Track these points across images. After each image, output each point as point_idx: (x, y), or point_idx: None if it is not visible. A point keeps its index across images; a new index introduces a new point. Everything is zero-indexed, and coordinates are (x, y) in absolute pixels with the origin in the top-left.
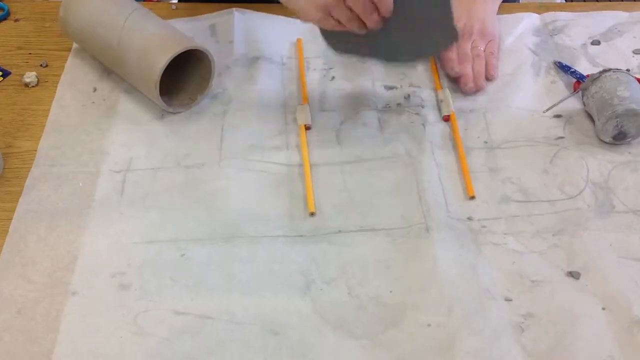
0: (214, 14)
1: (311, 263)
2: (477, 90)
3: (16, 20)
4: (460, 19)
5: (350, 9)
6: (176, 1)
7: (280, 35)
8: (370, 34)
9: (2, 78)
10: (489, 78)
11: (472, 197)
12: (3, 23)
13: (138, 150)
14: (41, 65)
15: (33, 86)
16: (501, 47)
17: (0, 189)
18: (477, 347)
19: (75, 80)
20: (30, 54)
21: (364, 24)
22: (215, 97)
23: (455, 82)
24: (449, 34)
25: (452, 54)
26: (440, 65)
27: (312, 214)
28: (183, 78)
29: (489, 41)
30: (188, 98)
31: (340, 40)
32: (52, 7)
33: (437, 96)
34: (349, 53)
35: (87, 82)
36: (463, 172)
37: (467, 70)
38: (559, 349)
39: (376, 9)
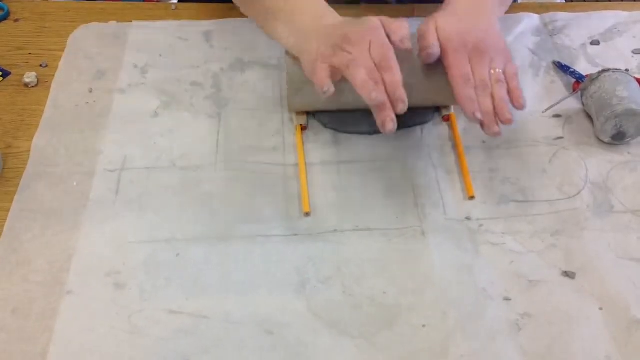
0: (210, 21)
1: (307, 262)
2: (505, 123)
3: (16, 20)
4: (465, 32)
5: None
6: (176, 1)
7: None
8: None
9: (2, 78)
10: (517, 107)
11: (472, 197)
12: (3, 23)
13: (132, 150)
14: (41, 65)
15: (33, 86)
16: None
17: (0, 189)
18: (472, 350)
19: (70, 80)
20: (30, 54)
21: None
22: (210, 98)
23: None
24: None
25: (469, 90)
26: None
27: (307, 214)
28: None
29: (507, 62)
30: None
31: (329, 116)
32: (52, 7)
33: None
34: (336, 128)
35: (81, 82)
36: (463, 173)
37: (488, 104)
38: (556, 349)
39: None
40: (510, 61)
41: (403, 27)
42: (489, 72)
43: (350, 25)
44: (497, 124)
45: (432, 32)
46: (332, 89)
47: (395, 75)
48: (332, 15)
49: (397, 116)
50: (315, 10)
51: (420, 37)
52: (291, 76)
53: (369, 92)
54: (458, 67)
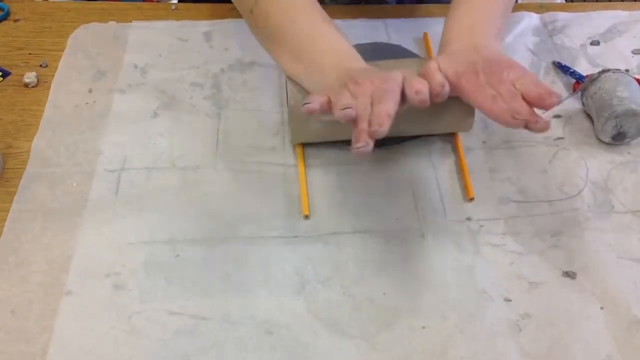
0: (210, 21)
1: (306, 263)
2: (549, 107)
3: (16, 21)
4: (472, 62)
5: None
6: (176, 1)
7: None
8: None
9: (2, 78)
10: (552, 102)
11: (472, 199)
12: (3, 23)
13: (132, 150)
14: (41, 65)
15: (33, 86)
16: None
17: (0, 189)
18: (472, 351)
19: (69, 80)
20: (30, 54)
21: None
22: (209, 98)
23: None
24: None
25: (499, 103)
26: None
27: (306, 217)
28: None
29: (523, 71)
30: None
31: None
32: (52, 7)
33: None
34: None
35: (81, 82)
36: (463, 174)
37: (523, 104)
38: (557, 349)
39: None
40: (526, 71)
41: (422, 83)
42: (510, 84)
43: (367, 72)
44: (538, 118)
45: (437, 70)
46: (314, 106)
47: (385, 106)
48: (357, 60)
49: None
50: (341, 52)
51: (426, 78)
52: (294, 107)
53: (342, 108)
54: (480, 89)
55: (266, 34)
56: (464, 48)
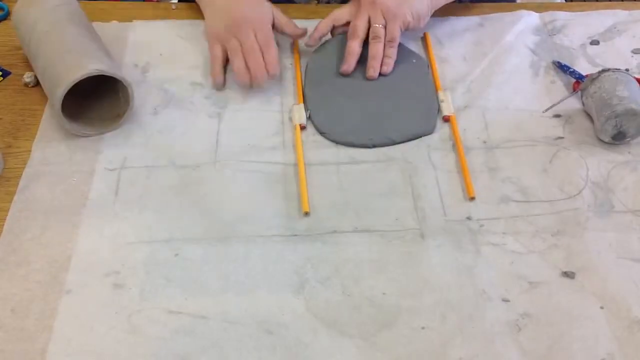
0: None
1: (305, 263)
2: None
3: None
4: None
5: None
6: (176, 1)
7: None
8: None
9: (2, 78)
10: (382, 72)
11: (473, 198)
12: (3, 23)
13: (132, 149)
14: None
15: (33, 86)
16: (500, 44)
17: (1, 189)
18: (472, 352)
19: None
20: None
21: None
22: (210, 97)
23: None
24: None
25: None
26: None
27: (306, 214)
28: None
29: (392, 23)
30: (110, 115)
31: (328, 127)
32: None
33: (437, 97)
34: (335, 139)
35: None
36: (463, 173)
37: (354, 47)
38: (556, 349)
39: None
40: (394, 23)
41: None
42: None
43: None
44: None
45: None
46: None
47: (273, 53)
48: None
49: (402, 128)
50: None
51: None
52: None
53: (243, 79)
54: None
55: None
56: None
